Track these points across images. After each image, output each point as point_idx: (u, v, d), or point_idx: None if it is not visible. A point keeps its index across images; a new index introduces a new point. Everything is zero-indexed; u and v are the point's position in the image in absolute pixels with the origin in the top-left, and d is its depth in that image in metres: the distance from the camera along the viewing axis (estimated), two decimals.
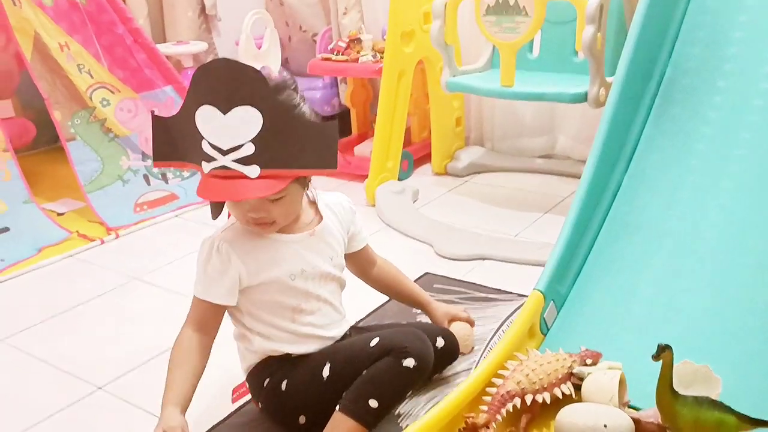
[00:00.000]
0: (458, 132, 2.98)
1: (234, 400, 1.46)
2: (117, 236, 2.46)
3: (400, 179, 2.72)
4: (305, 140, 1.17)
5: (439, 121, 2.87)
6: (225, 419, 1.46)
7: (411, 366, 1.26)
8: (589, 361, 1.34)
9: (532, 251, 2.13)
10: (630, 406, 1.29)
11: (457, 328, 1.65)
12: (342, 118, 3.33)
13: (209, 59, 3.56)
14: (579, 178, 2.70)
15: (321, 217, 1.39)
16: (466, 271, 2.08)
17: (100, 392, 1.61)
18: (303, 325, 1.35)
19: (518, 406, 1.25)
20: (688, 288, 1.47)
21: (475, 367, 1.60)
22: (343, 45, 2.95)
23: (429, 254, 2.20)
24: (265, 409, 1.40)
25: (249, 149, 1.16)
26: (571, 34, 2.46)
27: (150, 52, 2.69)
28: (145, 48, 2.67)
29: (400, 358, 1.26)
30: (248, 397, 1.49)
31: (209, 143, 1.16)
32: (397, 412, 1.41)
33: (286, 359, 1.35)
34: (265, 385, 1.36)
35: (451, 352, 1.49)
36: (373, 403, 1.24)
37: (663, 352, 1.10)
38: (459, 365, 1.60)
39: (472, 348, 1.67)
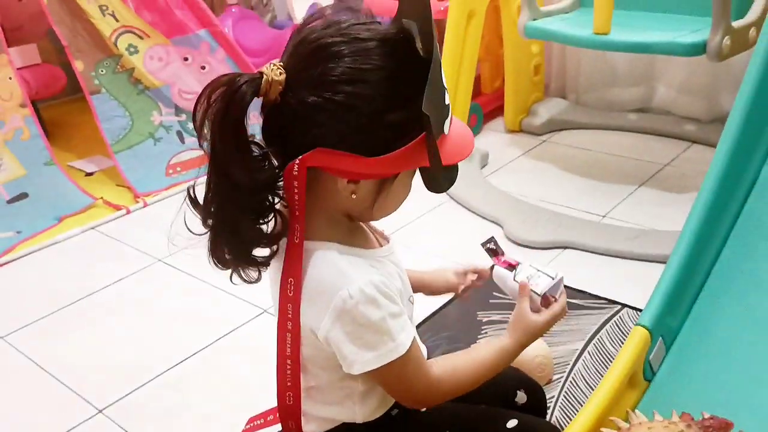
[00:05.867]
0: (537, 81, 2.55)
1: None
2: (145, 204, 2.19)
3: None
4: None
5: (515, 68, 2.45)
6: None
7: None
8: None
9: (625, 241, 1.74)
10: None
11: (531, 354, 1.32)
12: None
13: None
14: (681, 138, 2.35)
15: None
16: (543, 263, 1.70)
17: (100, 417, 1.35)
18: None
19: None
20: None
21: (554, 405, 1.28)
22: None
23: (497, 237, 1.83)
24: None
25: None
26: None
27: None
28: None
29: None
30: None
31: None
32: None
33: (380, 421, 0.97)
34: None
35: (538, 409, 1.12)
36: None
37: None
38: None
39: (550, 379, 1.34)
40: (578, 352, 1.41)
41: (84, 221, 2.10)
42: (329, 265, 0.83)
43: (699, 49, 1.72)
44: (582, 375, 1.35)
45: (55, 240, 2.01)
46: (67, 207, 2.14)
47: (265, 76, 0.76)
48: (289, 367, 0.89)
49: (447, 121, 0.80)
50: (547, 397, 1.28)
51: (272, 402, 1.04)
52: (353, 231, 0.89)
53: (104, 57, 2.28)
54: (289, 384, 0.90)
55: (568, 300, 1.54)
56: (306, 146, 0.77)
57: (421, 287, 1.10)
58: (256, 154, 0.80)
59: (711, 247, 1.21)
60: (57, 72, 2.68)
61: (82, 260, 1.92)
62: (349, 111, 0.76)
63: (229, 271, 0.88)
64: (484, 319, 1.53)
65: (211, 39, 2.41)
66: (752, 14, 1.82)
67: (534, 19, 2.06)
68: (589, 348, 1.42)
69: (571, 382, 1.33)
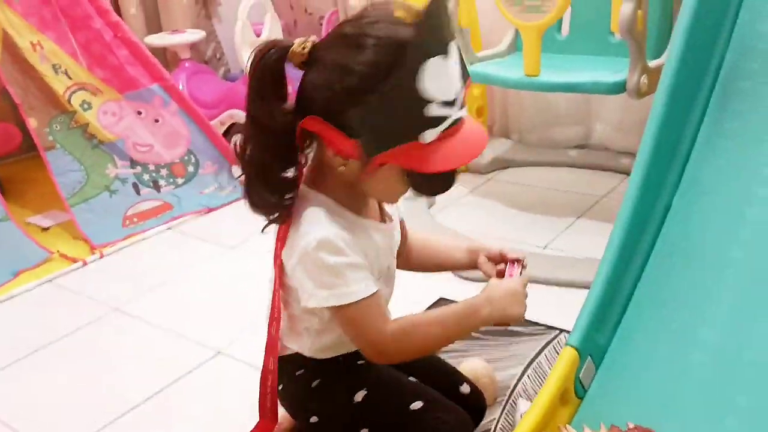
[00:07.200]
0: (480, 123, 2.66)
1: None
2: (101, 256, 2.22)
3: None
4: None
5: None
6: None
7: None
8: None
9: (564, 269, 1.83)
10: None
11: (478, 375, 1.39)
12: None
13: (209, 49, 3.29)
14: (618, 171, 2.46)
15: None
16: None
17: None
18: None
19: None
20: (765, 334, 1.17)
21: (494, 427, 1.33)
22: None
23: (444, 274, 1.91)
24: (282, 391, 1.15)
25: (462, 88, 0.94)
26: (605, 9, 2.14)
27: (132, 47, 2.42)
28: (126, 43, 2.41)
29: None
30: None
31: (440, 102, 0.89)
32: None
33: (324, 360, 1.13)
34: (297, 374, 1.13)
35: (477, 401, 1.27)
36: None
37: None
38: None
39: (495, 398, 1.41)
40: (518, 375, 1.47)
41: (40, 275, 2.12)
42: (311, 212, 0.97)
43: (620, 87, 1.84)
44: (519, 396, 1.42)
45: (12, 294, 2.03)
46: (23, 261, 2.16)
47: (292, 47, 0.93)
48: (276, 298, 1.04)
49: (431, 131, 0.90)
50: (489, 418, 1.35)
51: None
52: (355, 195, 1.01)
53: (58, 113, 2.33)
54: (276, 315, 1.05)
55: (510, 329, 1.63)
56: (306, 111, 0.93)
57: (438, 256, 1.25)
58: (284, 106, 0.95)
59: (632, 269, 1.29)
60: (12, 130, 2.72)
61: (38, 312, 1.94)
62: (334, 95, 0.90)
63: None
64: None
65: (163, 93, 2.48)
66: (667, 55, 1.95)
67: (471, 64, 2.17)
68: (528, 372, 1.48)
69: (511, 404, 1.39)
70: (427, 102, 0.88)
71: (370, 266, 1.01)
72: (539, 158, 2.61)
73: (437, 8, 0.87)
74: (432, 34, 0.88)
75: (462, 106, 0.94)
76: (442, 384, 1.21)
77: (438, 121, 0.90)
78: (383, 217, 1.10)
